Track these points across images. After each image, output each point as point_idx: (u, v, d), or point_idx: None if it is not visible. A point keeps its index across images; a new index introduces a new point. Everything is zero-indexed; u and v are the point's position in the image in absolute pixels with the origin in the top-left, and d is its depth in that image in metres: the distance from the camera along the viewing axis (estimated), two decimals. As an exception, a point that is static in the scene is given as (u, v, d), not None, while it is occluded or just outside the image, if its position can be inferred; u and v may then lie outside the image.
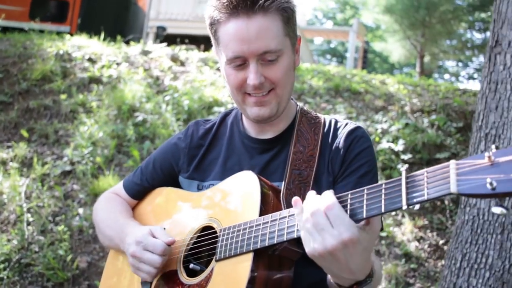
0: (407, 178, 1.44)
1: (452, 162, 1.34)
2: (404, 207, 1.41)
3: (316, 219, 1.52)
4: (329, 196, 1.55)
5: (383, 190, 1.49)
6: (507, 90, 4.38)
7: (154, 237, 2.04)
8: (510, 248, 4.25)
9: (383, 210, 1.47)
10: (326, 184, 2.08)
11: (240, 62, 2.00)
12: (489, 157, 1.27)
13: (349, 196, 1.56)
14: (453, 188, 1.30)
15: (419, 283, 5.53)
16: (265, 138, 2.24)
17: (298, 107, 2.31)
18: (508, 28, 4.44)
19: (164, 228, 2.19)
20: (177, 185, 2.40)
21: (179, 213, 2.24)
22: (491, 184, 1.23)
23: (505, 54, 4.43)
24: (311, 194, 1.60)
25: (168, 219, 2.27)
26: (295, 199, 1.65)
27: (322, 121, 2.24)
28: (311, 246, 1.55)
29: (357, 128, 2.18)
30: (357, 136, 2.15)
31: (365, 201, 1.52)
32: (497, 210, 1.27)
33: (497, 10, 4.59)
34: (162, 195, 2.41)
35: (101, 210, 2.48)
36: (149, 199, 2.47)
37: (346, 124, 2.21)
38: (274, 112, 2.10)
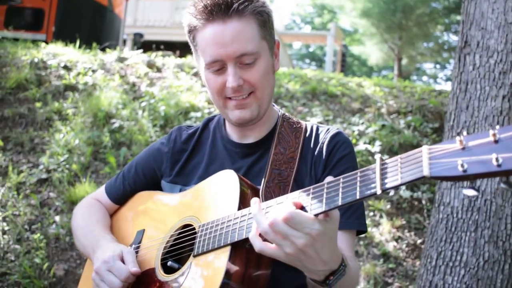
0: (381, 164, 1.46)
1: (425, 147, 1.36)
2: (379, 191, 1.42)
3: (278, 229, 1.54)
4: (287, 207, 1.56)
5: (358, 178, 1.51)
6: (477, 90, 4.45)
7: (122, 261, 2.04)
8: (484, 245, 4.30)
9: (358, 197, 1.48)
10: None
11: (218, 67, 2.03)
12: (460, 141, 1.30)
13: (325, 185, 1.58)
14: (426, 171, 1.32)
15: (398, 282, 5.56)
16: (247, 142, 2.27)
17: (280, 112, 2.35)
18: (476, 29, 4.52)
19: (144, 230, 2.23)
20: (159, 189, 2.42)
21: (159, 214, 2.25)
22: (462, 166, 1.26)
23: (474, 54, 4.51)
24: (275, 211, 1.60)
25: (148, 220, 2.29)
26: (254, 200, 1.67)
27: (304, 126, 2.28)
28: (283, 252, 1.57)
29: (339, 133, 2.22)
30: (340, 141, 2.19)
31: (340, 189, 1.53)
32: (469, 192, 1.30)
33: (465, 12, 4.67)
34: (143, 199, 2.43)
35: (80, 217, 2.49)
36: (130, 203, 2.49)
37: (328, 129, 2.25)
38: (255, 115, 2.12)
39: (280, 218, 1.52)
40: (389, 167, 1.44)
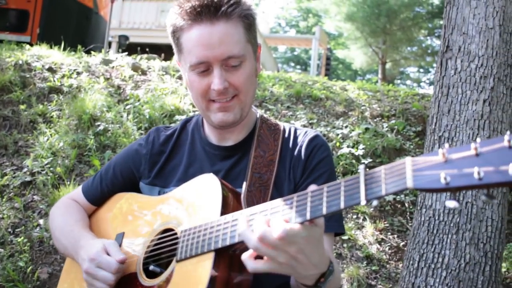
0: (365, 175, 1.46)
1: (408, 159, 1.38)
2: (363, 202, 1.43)
3: (270, 243, 1.54)
4: (278, 227, 1.54)
5: (342, 187, 1.51)
6: (459, 94, 4.52)
7: (107, 253, 2.02)
8: (465, 247, 4.36)
9: (342, 206, 1.48)
10: (287, 191, 2.11)
11: (203, 68, 2.01)
12: (443, 154, 1.32)
13: (309, 194, 1.57)
14: (409, 183, 1.34)
15: (381, 284, 5.61)
16: (226, 145, 2.26)
17: (258, 114, 2.34)
18: (457, 34, 4.58)
19: (123, 234, 2.19)
20: (137, 191, 2.39)
21: (138, 217, 2.22)
22: (445, 179, 1.28)
23: (455, 59, 4.57)
24: (260, 223, 1.58)
25: (127, 223, 2.25)
26: (241, 214, 1.68)
27: (282, 128, 2.28)
28: (277, 263, 1.58)
29: (317, 136, 2.23)
30: (318, 144, 2.19)
31: (325, 198, 1.53)
32: (450, 204, 1.32)
33: (447, 17, 4.74)
34: (122, 201, 2.39)
35: (58, 217, 2.44)
36: (108, 204, 2.45)
37: (306, 132, 2.25)
38: (238, 118, 2.12)
39: (275, 236, 1.51)
40: (373, 178, 1.45)
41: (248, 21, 2.06)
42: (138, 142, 2.45)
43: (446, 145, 1.35)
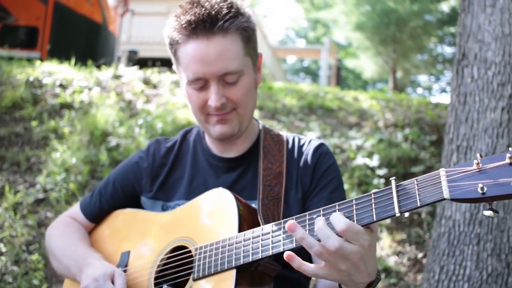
0: (397, 187, 1.48)
1: (442, 170, 1.40)
2: (397, 214, 1.44)
3: (336, 250, 1.50)
4: (340, 220, 1.50)
5: (372, 200, 1.51)
6: (476, 102, 4.45)
7: (112, 282, 1.93)
8: (487, 258, 4.27)
9: (375, 219, 1.49)
10: (294, 201, 2.10)
11: (201, 84, 2.00)
12: (477, 163, 1.36)
13: (337, 207, 1.56)
14: (446, 194, 1.37)
15: (399, 297, 5.53)
16: (230, 156, 2.24)
17: (260, 125, 2.33)
18: (473, 41, 4.52)
19: (129, 252, 2.14)
20: (138, 206, 2.34)
21: (145, 235, 2.16)
22: (482, 189, 1.32)
23: (472, 66, 4.51)
24: (321, 222, 1.54)
25: (132, 241, 2.20)
26: (291, 224, 1.59)
27: (285, 138, 2.27)
28: (337, 270, 1.54)
29: (322, 144, 2.23)
30: (323, 153, 2.19)
31: (354, 211, 1.53)
32: (487, 213, 1.36)
33: (462, 24, 4.68)
34: (122, 217, 2.33)
35: (58, 237, 2.35)
36: (108, 222, 2.38)
37: (310, 141, 2.25)
38: (236, 131, 2.10)
39: (338, 229, 1.48)
40: (406, 190, 1.46)
41: (247, 33, 2.02)
42: (137, 154, 2.41)
43: (478, 155, 1.37)
